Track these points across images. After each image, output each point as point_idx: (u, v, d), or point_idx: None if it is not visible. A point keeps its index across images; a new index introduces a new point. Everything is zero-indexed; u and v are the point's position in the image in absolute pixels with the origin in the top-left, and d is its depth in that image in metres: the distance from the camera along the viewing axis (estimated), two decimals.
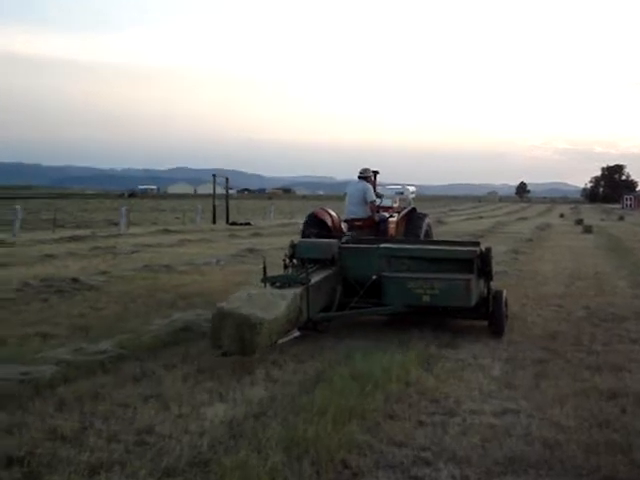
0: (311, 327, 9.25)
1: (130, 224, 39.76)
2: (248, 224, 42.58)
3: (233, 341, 7.66)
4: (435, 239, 14.31)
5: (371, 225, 12.99)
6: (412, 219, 13.48)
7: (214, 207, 45.47)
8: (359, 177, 13.32)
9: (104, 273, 15.95)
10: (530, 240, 30.14)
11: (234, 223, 43.07)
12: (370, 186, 13.26)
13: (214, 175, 47.54)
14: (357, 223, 12.92)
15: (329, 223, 12.64)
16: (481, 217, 60.49)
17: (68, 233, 29.03)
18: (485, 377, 7.43)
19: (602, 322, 10.77)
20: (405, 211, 13.78)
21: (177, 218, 48.18)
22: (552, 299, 13.08)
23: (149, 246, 24.06)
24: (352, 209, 13.14)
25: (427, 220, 13.73)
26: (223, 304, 8.14)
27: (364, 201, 13.02)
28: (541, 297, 13.31)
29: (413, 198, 18.96)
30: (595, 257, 22.87)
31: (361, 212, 13.03)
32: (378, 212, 13.42)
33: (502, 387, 7.07)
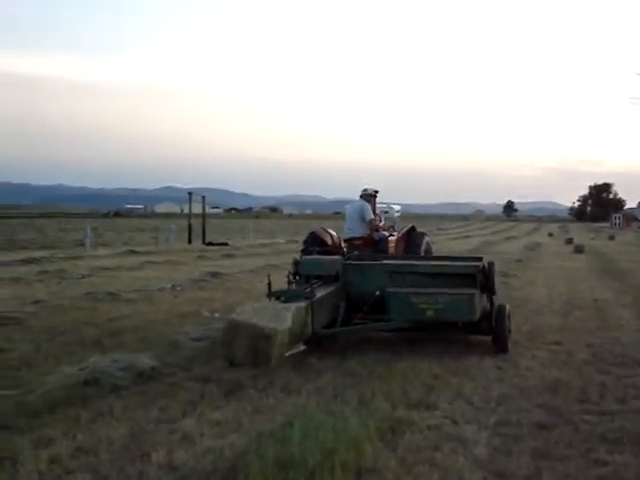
0: (316, 342, 9.33)
1: (99, 245, 37.83)
2: (225, 244, 40.71)
3: (247, 352, 7.87)
4: (436, 255, 14.32)
5: (370, 244, 12.99)
6: (412, 237, 13.72)
7: (189, 226, 43.57)
8: (361, 196, 13.49)
9: (37, 302, 13.97)
10: (520, 261, 28.22)
11: (210, 243, 41.15)
12: (368, 205, 13.33)
13: (190, 193, 45.60)
14: (356, 242, 12.93)
15: (329, 242, 12.76)
16: (468, 236, 58.65)
17: (23, 255, 26.91)
18: (467, 459, 5.44)
19: (611, 367, 8.82)
20: (405, 230, 13.92)
21: (153, 238, 46.06)
22: (548, 334, 11.16)
23: (106, 269, 22.01)
24: (351, 228, 13.18)
25: (426, 238, 13.94)
26: (234, 315, 8.16)
27: (362, 219, 13.07)
28: (535, 331, 11.39)
29: (398, 217, 18.03)
30: (591, 280, 20.99)
31: (360, 230, 13.06)
32: (377, 231, 13.35)
33: (491, 477, 5.11)
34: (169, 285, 17.18)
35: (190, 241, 42.52)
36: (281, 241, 46.38)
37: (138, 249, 33.23)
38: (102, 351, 9.21)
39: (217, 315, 12.91)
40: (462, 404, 7.07)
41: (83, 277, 19.49)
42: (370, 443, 5.57)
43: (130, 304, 14.34)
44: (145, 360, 8.60)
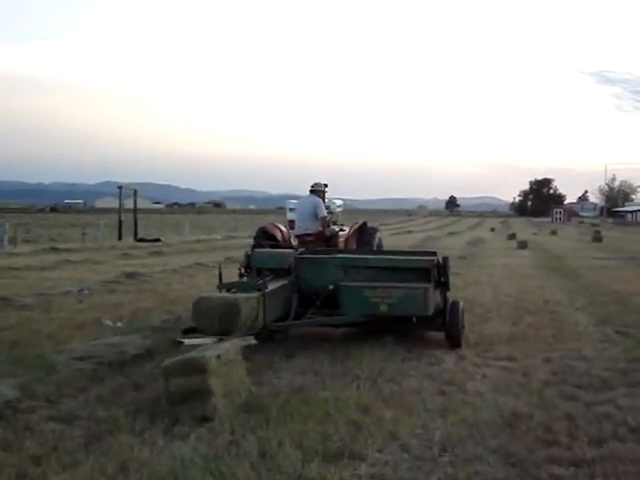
0: (267, 336, 9.03)
1: (23, 241, 35.57)
2: (158, 240, 38.76)
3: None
4: (390, 249, 14.26)
5: (322, 240, 12.63)
6: (364, 233, 13.46)
7: (120, 222, 41.42)
8: (311, 191, 13.01)
9: None
10: (463, 257, 26.85)
11: (142, 240, 39.17)
12: (321, 201, 12.91)
13: (120, 187, 43.25)
14: (308, 238, 12.55)
15: (279, 237, 12.47)
16: (411, 231, 57.51)
17: None
18: None
19: (577, 391, 7.30)
20: (356, 225, 13.68)
21: (84, 234, 43.67)
22: (499, 346, 9.65)
23: (14, 269, 19.98)
24: (303, 224, 12.73)
25: (378, 234, 13.71)
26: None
27: (315, 216, 12.66)
28: (484, 343, 9.89)
29: (340, 212, 16.94)
30: (538, 279, 19.70)
31: (312, 227, 12.65)
32: (328, 227, 13.04)
33: None
34: (76, 288, 15.28)
35: (120, 237, 40.48)
36: (218, 237, 44.65)
37: (61, 246, 31.18)
38: None
39: (119, 324, 11.17)
40: (396, 451, 5.45)
41: None
42: None
43: (23, 311, 12.46)
44: (3, 390, 6.85)
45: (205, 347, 6.89)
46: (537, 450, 5.48)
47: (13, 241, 32.27)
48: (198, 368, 6.16)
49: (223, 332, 7.89)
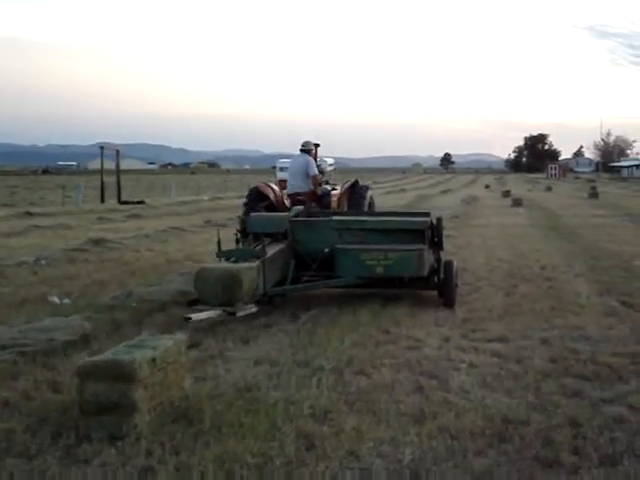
0: (267, 302, 9.08)
1: (1, 205, 34.36)
2: (141, 202, 37.49)
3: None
4: (384, 211, 14.32)
5: (314, 199, 12.47)
6: (355, 192, 13.38)
7: (102, 184, 40.02)
8: (301, 150, 12.93)
9: None
10: (456, 217, 25.56)
11: (125, 202, 37.88)
12: (312, 160, 12.91)
13: (102, 147, 41.78)
14: (299, 197, 12.43)
15: (272, 198, 12.46)
16: (404, 190, 56.16)
17: None
18: None
19: (583, 384, 6.07)
20: (348, 184, 13.59)
21: (65, 197, 42.14)
22: (489, 324, 8.44)
23: None
24: (295, 183, 12.70)
25: (370, 192, 13.67)
26: None
27: (307, 175, 12.63)
28: (472, 319, 8.70)
29: (332, 170, 16.81)
30: (534, 240, 18.50)
31: (304, 186, 12.61)
32: (320, 185, 12.98)
33: None
34: (32, 259, 13.99)
35: (102, 200, 39.09)
36: (205, 198, 43.37)
37: (37, 210, 29.83)
38: None
39: (66, 301, 9.98)
40: None
41: None
42: None
43: None
44: None
45: (141, 342, 5.58)
46: (534, 477, 4.30)
47: None
48: (124, 375, 4.91)
49: (226, 302, 7.98)
